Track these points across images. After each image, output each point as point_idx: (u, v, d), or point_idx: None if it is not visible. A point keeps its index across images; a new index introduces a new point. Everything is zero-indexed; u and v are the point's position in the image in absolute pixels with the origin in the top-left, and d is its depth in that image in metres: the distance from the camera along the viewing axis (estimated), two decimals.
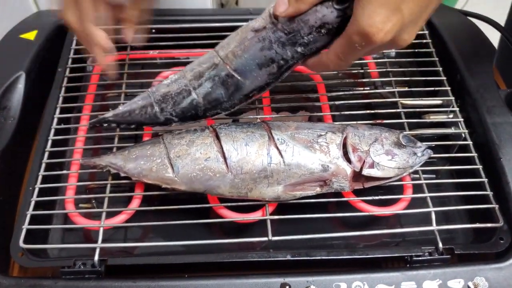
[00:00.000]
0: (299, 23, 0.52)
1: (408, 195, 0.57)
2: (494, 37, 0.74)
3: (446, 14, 0.76)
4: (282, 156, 0.54)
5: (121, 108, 0.59)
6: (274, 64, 0.55)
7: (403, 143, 0.56)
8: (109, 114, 0.59)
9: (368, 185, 0.56)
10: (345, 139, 0.56)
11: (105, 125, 0.60)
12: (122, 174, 0.56)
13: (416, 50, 0.71)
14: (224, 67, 0.56)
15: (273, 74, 0.56)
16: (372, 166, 0.54)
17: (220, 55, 0.57)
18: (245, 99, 0.57)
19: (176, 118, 0.58)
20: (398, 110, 0.63)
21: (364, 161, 0.54)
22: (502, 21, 0.75)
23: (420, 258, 0.52)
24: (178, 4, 0.85)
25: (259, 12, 0.63)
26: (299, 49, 0.54)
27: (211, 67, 0.57)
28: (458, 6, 1.24)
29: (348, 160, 0.55)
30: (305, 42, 0.53)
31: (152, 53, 0.71)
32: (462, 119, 0.63)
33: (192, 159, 0.54)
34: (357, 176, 0.55)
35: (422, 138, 0.62)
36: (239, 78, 0.56)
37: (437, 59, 0.69)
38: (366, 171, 0.54)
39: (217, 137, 0.55)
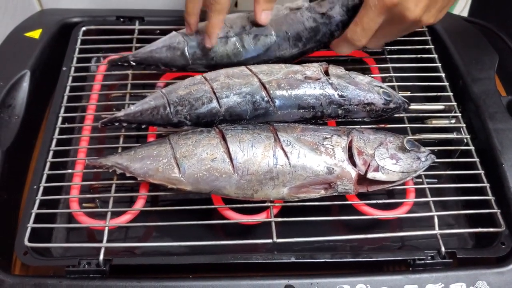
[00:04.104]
0: (354, 92, 0.59)
1: (411, 199, 0.58)
2: None
3: (449, 20, 0.76)
4: (288, 158, 0.54)
5: (132, 108, 0.60)
6: (312, 112, 0.59)
7: (407, 148, 0.56)
8: (120, 114, 0.60)
9: (372, 188, 0.56)
10: (350, 142, 0.56)
11: (116, 124, 0.60)
12: (128, 174, 0.56)
13: (419, 56, 0.71)
14: (261, 90, 0.58)
15: (304, 118, 0.60)
16: (376, 169, 0.55)
17: (260, 77, 0.59)
18: (265, 122, 0.59)
19: (190, 122, 0.59)
20: (401, 115, 0.64)
21: (369, 165, 0.55)
22: None
23: (423, 262, 0.53)
24: (182, 6, 0.85)
25: None
26: (339, 111, 0.60)
27: (245, 84, 0.59)
28: (456, 11, 1.25)
29: (353, 164, 0.55)
30: (349, 109, 0.60)
31: None
32: (464, 125, 0.64)
33: (199, 160, 0.54)
34: (362, 179, 0.56)
35: (424, 143, 0.63)
36: (273, 106, 0.58)
37: (439, 64, 0.69)
38: (370, 175, 0.55)
39: (223, 138, 0.55)
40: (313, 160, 0.54)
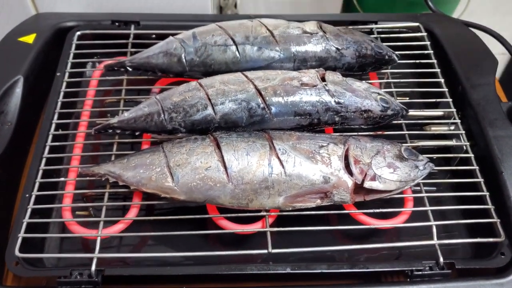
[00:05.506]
0: (351, 99, 0.58)
1: (409, 208, 0.57)
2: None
3: (448, 25, 0.75)
4: (283, 167, 0.53)
5: (126, 115, 0.59)
6: (309, 119, 0.58)
7: (405, 156, 0.56)
8: (114, 120, 0.59)
9: (369, 198, 0.55)
10: (347, 150, 0.55)
11: (110, 131, 0.59)
12: (121, 183, 0.55)
13: (418, 61, 0.70)
14: (256, 97, 0.57)
15: (300, 125, 0.59)
16: (373, 178, 0.54)
17: (255, 83, 0.58)
18: (260, 130, 0.58)
19: (184, 129, 0.58)
20: (399, 122, 0.63)
21: (366, 174, 0.54)
22: (500, 28, 0.75)
23: (421, 273, 0.52)
24: (178, 10, 0.84)
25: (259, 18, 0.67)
26: (336, 118, 0.59)
27: (241, 90, 0.58)
28: (456, 13, 1.23)
29: (350, 172, 0.54)
30: (346, 116, 0.59)
31: None
32: (463, 132, 0.63)
33: (192, 168, 0.53)
34: (358, 188, 0.55)
35: (423, 150, 0.62)
36: (269, 113, 0.57)
37: (438, 70, 0.68)
38: (367, 184, 0.54)
39: (218, 146, 0.55)
40: (309, 169, 0.53)
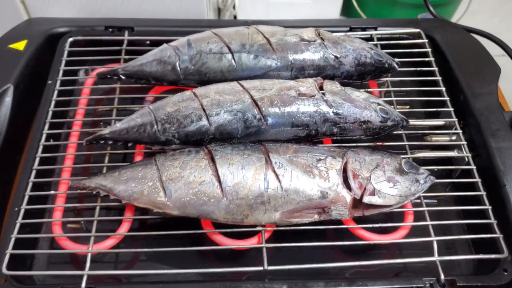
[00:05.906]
0: (350, 109, 0.56)
1: (409, 223, 0.55)
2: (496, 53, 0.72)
3: (450, 31, 0.74)
4: (279, 181, 0.51)
5: (118, 125, 0.57)
6: (306, 130, 0.57)
7: (405, 170, 0.54)
8: (106, 131, 0.57)
9: (368, 212, 0.54)
10: (346, 164, 0.53)
11: (102, 142, 0.57)
12: (112, 197, 0.53)
13: (419, 69, 0.68)
14: (252, 107, 0.56)
15: (298, 136, 0.57)
16: (373, 193, 0.52)
17: (251, 93, 0.57)
18: (257, 141, 0.56)
19: (178, 140, 0.56)
20: (399, 132, 0.61)
21: (365, 188, 0.52)
22: (499, 31, 0.73)
23: None
24: (174, 14, 0.82)
25: (256, 24, 0.65)
26: (335, 130, 0.57)
27: (236, 101, 0.56)
28: (457, 14, 1.22)
29: (348, 187, 0.52)
30: (344, 127, 0.57)
31: None
32: (465, 142, 0.61)
33: (186, 183, 0.51)
34: (357, 203, 0.53)
35: (423, 161, 0.60)
36: (265, 124, 0.56)
37: (440, 78, 0.67)
38: (366, 199, 0.52)
39: (212, 160, 0.53)
40: (306, 183, 0.52)
